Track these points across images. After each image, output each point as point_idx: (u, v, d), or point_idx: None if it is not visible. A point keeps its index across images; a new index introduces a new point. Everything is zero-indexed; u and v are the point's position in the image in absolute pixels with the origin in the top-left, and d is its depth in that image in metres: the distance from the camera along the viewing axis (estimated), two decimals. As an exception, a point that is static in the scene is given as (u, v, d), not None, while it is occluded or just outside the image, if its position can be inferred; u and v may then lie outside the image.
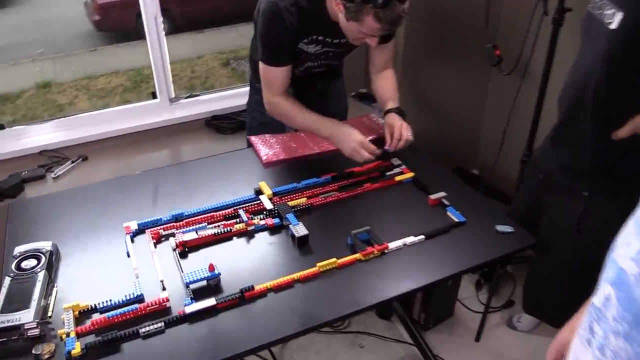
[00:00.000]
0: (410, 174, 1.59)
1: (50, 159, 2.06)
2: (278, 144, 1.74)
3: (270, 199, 1.46)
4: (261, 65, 1.60)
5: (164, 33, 2.19)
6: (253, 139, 1.77)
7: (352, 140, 1.55)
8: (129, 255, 1.28)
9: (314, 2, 1.50)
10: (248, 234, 1.36)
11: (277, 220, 1.38)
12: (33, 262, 1.21)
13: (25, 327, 1.05)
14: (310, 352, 2.04)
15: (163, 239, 1.34)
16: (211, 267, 1.18)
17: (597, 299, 0.60)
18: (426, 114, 2.61)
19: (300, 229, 1.32)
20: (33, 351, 1.03)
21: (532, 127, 1.96)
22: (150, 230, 1.34)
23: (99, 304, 1.13)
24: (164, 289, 1.17)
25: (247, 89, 1.96)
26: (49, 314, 1.12)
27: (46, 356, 1.03)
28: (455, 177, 1.64)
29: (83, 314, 1.12)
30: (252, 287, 1.16)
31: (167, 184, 1.58)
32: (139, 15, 2.16)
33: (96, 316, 1.11)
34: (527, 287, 1.56)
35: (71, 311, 1.10)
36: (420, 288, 1.22)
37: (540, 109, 1.92)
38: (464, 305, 2.26)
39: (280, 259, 1.28)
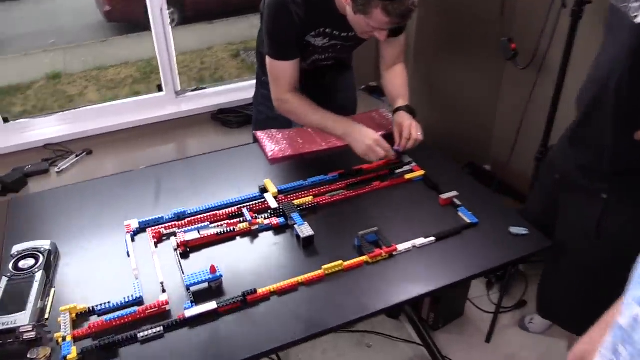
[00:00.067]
0: (421, 172, 1.54)
1: (55, 152, 2.03)
2: (284, 139, 1.69)
3: (275, 198, 1.41)
4: (268, 59, 1.55)
5: (169, 24, 2.14)
6: (259, 134, 1.73)
7: (367, 138, 1.49)
8: (129, 255, 1.24)
9: None
10: (252, 234, 1.32)
11: (281, 219, 1.34)
12: (31, 261, 1.18)
13: (21, 330, 1.02)
14: (316, 352, 2.01)
15: (164, 238, 1.31)
16: (212, 269, 1.14)
17: (623, 320, 0.56)
18: (438, 109, 2.55)
19: (305, 230, 1.27)
20: (28, 355, 1.00)
21: (548, 123, 1.89)
22: (152, 229, 1.31)
23: (97, 306, 1.10)
24: (163, 291, 1.13)
25: (255, 81, 1.91)
26: (46, 316, 1.09)
27: (42, 360, 1.00)
28: (467, 175, 1.59)
29: (80, 317, 1.09)
30: (255, 291, 1.12)
31: (171, 180, 1.54)
32: (149, 5, 2.11)
33: (94, 319, 1.08)
34: (541, 290, 1.51)
35: (68, 313, 1.07)
36: (430, 293, 1.17)
37: (557, 105, 1.85)
38: (474, 305, 2.21)
39: (284, 261, 1.24)
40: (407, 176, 1.52)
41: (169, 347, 1.03)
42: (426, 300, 2.08)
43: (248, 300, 1.11)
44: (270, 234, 1.33)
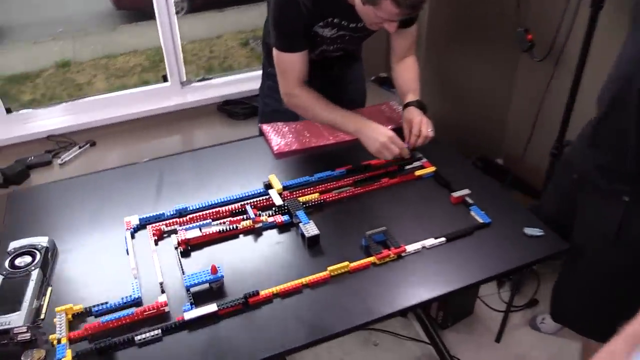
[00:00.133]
0: (432, 169, 1.48)
1: (58, 144, 2.00)
2: (291, 132, 1.64)
3: (280, 194, 1.37)
4: (275, 52, 1.49)
5: (179, 13, 2.09)
6: (265, 127, 1.68)
7: (381, 135, 1.43)
8: (129, 253, 1.21)
9: None
10: (255, 232, 1.27)
11: (286, 217, 1.29)
12: (28, 259, 1.15)
13: (15, 332, 0.99)
14: (322, 350, 1.97)
15: (165, 235, 1.27)
16: (214, 269, 1.10)
17: None
18: (449, 100, 2.48)
19: (310, 228, 1.22)
20: (22, 357, 0.96)
21: (564, 118, 1.82)
22: (152, 226, 1.27)
23: (94, 306, 1.06)
24: (162, 291, 1.10)
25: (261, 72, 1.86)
26: (42, 316, 1.05)
27: (36, 363, 0.97)
28: (480, 172, 1.53)
29: (77, 317, 1.05)
30: (257, 293, 1.08)
31: (174, 174, 1.50)
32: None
33: (91, 320, 1.05)
34: (556, 294, 1.45)
35: (64, 314, 1.03)
36: (440, 297, 1.12)
37: (574, 100, 1.78)
38: (484, 304, 2.16)
39: (288, 261, 1.20)
40: (417, 173, 1.47)
41: (167, 351, 0.99)
42: (435, 298, 2.03)
43: (250, 303, 1.07)
44: (274, 232, 1.28)
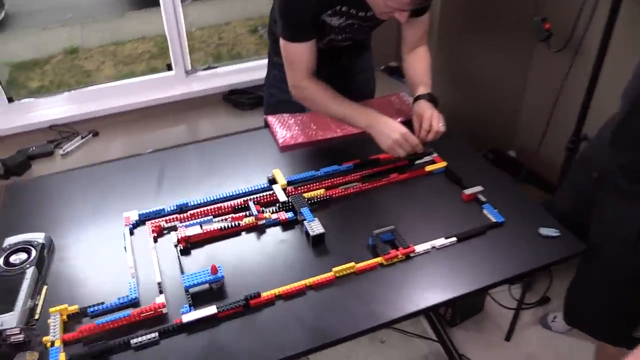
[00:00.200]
0: (443, 164, 1.42)
1: (60, 134, 1.96)
2: (297, 125, 1.59)
3: (285, 190, 1.32)
4: (282, 42, 1.42)
5: (180, 0, 2.03)
6: (270, 118, 1.62)
7: (394, 131, 1.35)
8: (127, 251, 1.17)
9: None
10: (258, 229, 1.23)
11: (290, 214, 1.25)
12: (23, 256, 1.11)
13: (8, 333, 0.96)
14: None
15: (165, 231, 1.22)
16: (214, 269, 1.06)
17: None
18: (461, 90, 2.41)
19: (315, 227, 1.18)
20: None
21: (581, 112, 1.75)
22: (152, 222, 1.22)
23: (89, 307, 1.02)
24: (161, 292, 1.06)
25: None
26: (36, 316, 1.02)
27: (28, 366, 0.93)
28: (493, 167, 1.46)
29: (72, 318, 1.02)
30: (259, 294, 1.04)
31: (176, 167, 1.45)
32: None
33: (86, 321, 1.01)
34: (570, 297, 1.39)
35: (59, 315, 1.00)
36: (450, 300, 1.07)
37: (592, 93, 1.70)
38: (494, 300, 2.11)
39: (291, 260, 1.15)
40: (428, 168, 1.41)
41: (164, 355, 0.95)
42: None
43: (251, 305, 1.03)
44: (277, 229, 1.24)
